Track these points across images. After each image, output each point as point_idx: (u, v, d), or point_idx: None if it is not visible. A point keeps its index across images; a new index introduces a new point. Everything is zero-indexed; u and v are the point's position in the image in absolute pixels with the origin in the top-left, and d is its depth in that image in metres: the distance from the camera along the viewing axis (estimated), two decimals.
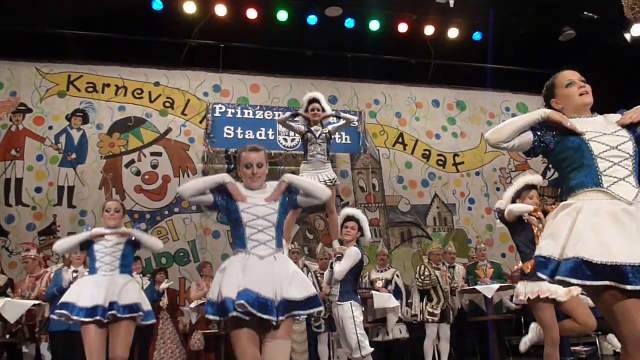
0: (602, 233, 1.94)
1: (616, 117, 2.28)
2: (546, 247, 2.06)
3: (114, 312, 3.52)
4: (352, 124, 5.78)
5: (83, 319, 3.50)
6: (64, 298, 3.62)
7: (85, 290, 3.59)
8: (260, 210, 2.86)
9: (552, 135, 2.22)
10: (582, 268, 1.90)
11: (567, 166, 2.20)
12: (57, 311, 3.59)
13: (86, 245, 3.83)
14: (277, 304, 2.65)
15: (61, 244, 3.84)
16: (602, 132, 2.17)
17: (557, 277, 1.96)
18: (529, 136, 2.24)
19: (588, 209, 2.04)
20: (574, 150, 2.16)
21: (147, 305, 3.81)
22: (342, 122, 5.10)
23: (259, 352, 2.71)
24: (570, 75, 2.34)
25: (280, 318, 2.64)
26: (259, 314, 2.60)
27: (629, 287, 1.84)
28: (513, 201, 4.19)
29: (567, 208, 2.11)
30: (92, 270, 3.76)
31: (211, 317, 2.76)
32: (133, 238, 3.85)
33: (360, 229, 4.59)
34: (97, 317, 3.49)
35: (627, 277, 1.85)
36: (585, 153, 2.13)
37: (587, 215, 2.01)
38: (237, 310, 2.59)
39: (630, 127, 2.20)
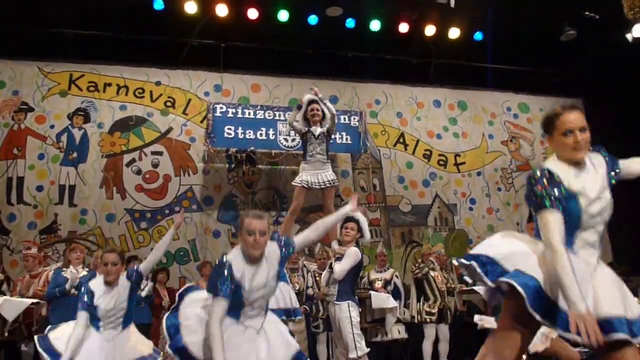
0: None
1: (598, 158, 2.26)
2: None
3: None
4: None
5: None
6: None
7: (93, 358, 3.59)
8: (261, 292, 2.96)
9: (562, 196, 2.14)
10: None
11: None
12: None
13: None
14: None
15: None
16: (595, 197, 2.15)
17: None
18: (559, 216, 2.11)
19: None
20: (568, 213, 2.12)
21: (149, 349, 3.88)
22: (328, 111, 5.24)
23: None
24: (571, 123, 2.19)
25: None
26: None
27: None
28: None
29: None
30: (96, 328, 3.71)
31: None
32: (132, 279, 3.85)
33: (360, 230, 4.61)
34: None
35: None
36: (575, 220, 2.14)
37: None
38: None
39: (610, 184, 2.23)
